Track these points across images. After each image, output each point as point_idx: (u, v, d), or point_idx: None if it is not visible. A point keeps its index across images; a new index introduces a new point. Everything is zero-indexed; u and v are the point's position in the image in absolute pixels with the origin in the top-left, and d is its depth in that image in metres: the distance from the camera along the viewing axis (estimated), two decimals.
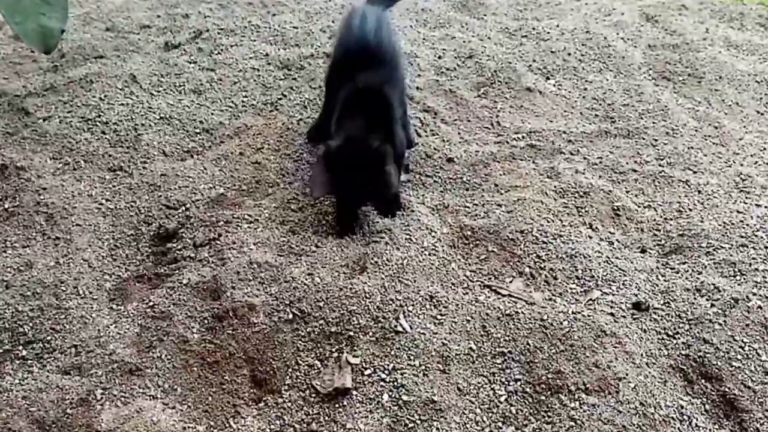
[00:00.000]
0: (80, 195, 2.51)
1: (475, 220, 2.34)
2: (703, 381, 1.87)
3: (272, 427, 1.83)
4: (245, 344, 2.00)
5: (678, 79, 3.16)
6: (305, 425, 1.81)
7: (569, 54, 3.25)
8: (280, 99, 2.96)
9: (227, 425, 1.84)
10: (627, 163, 2.65)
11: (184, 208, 2.44)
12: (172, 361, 1.98)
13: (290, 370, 1.94)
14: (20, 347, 2.04)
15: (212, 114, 2.86)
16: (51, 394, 1.90)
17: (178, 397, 1.92)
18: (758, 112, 2.99)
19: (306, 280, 2.10)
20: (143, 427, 1.80)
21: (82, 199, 2.49)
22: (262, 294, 2.09)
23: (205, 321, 2.06)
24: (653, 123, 2.85)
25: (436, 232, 2.28)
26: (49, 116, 2.88)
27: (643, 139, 2.77)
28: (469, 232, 2.29)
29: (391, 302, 2.04)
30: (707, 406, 1.83)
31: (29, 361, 2.00)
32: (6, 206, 2.49)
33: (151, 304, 2.14)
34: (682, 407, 1.80)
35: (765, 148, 2.75)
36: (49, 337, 2.05)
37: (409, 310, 2.02)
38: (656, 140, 2.77)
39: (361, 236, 2.30)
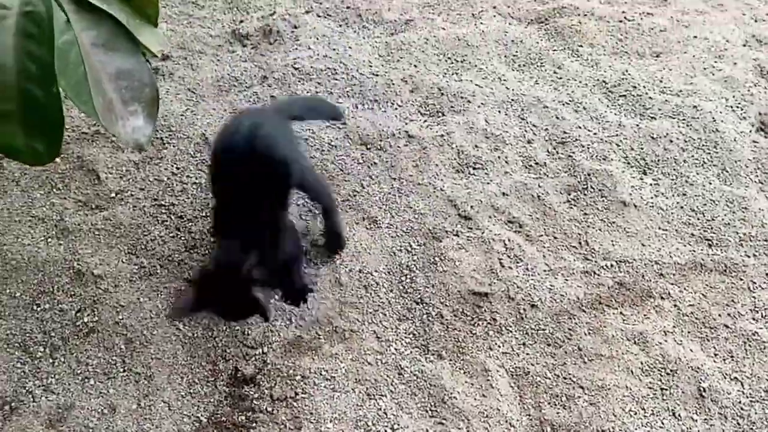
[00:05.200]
0: (158, 317, 2.50)
1: (556, 411, 2.29)
2: None
3: None
4: None
5: None
6: None
7: (671, 141, 3.01)
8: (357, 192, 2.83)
9: None
10: (719, 316, 2.54)
11: (261, 350, 2.43)
12: None
13: None
14: None
15: (289, 213, 2.75)
16: None
17: None
18: None
19: None
20: None
21: (160, 323, 2.48)
22: None
23: None
24: (754, 254, 2.68)
25: (515, 427, 2.25)
26: (120, 190, 2.80)
27: (741, 279, 2.63)
28: (548, 428, 2.26)
29: None
30: None
31: None
32: (85, 320, 2.49)
33: None
34: None
35: None
36: None
37: None
38: (754, 282, 2.62)
39: (439, 418, 2.28)
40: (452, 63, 3.30)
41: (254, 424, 2.29)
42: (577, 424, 2.26)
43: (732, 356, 2.45)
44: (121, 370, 2.40)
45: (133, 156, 2.92)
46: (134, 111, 1.76)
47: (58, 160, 2.91)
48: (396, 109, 3.07)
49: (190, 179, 2.84)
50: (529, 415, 2.29)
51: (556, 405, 2.32)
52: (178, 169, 2.87)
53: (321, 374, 2.37)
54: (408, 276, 2.61)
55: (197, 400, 2.35)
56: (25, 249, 2.64)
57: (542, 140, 2.99)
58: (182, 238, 2.68)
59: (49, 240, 2.67)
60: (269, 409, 2.32)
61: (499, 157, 2.92)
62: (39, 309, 2.51)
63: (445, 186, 2.84)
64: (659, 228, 2.77)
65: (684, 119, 3.08)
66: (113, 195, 2.80)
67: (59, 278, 2.57)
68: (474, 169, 2.90)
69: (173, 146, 2.95)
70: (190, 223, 2.71)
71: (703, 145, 3.01)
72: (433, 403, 2.32)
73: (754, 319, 2.54)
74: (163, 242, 2.67)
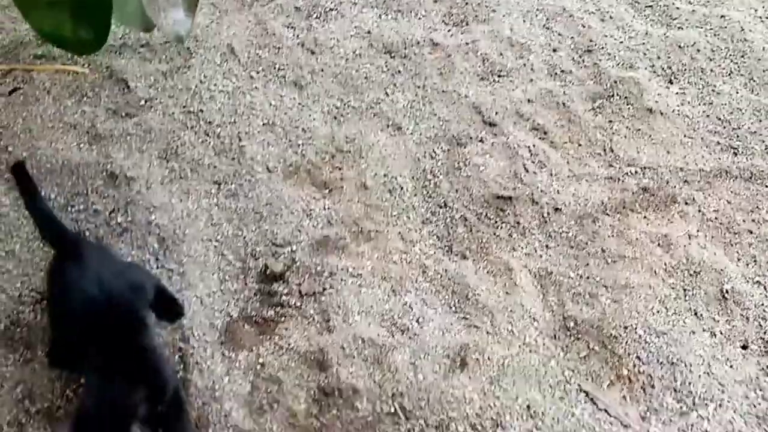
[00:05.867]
0: (189, 216, 2.56)
1: (580, 307, 2.34)
2: None
3: None
4: (349, 426, 2.14)
5: None
6: None
7: (698, 50, 2.99)
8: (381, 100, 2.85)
9: None
10: (743, 221, 2.56)
11: (290, 249, 2.49)
12: None
13: None
14: None
15: (314, 120, 2.79)
16: None
17: None
18: None
19: (408, 372, 2.19)
20: None
21: (191, 223, 2.54)
22: (365, 377, 2.20)
23: (312, 393, 2.20)
24: None
25: (538, 322, 2.31)
26: (150, 98, 2.85)
27: (765, 186, 2.64)
28: (572, 323, 2.31)
29: (489, 408, 2.13)
30: None
31: None
32: (119, 220, 2.56)
33: (261, 361, 2.26)
34: None
35: None
36: None
37: (506, 420, 2.12)
38: None
39: (463, 313, 2.34)
40: None
41: (283, 319, 2.36)
42: (599, 320, 2.31)
43: (755, 260, 2.48)
44: (155, 267, 2.46)
45: (161, 66, 2.95)
46: (175, 3, 1.80)
47: (87, 70, 2.95)
48: (420, 18, 3.07)
49: (217, 87, 2.87)
50: (552, 311, 2.34)
51: (579, 302, 2.36)
52: (205, 77, 2.90)
53: (348, 271, 2.42)
54: (432, 181, 2.65)
55: (228, 296, 2.41)
56: (59, 153, 2.69)
57: (568, 49, 2.98)
58: (211, 143, 2.72)
59: (82, 145, 2.73)
60: (298, 304, 2.38)
61: (524, 65, 2.92)
62: (74, 210, 2.57)
63: (470, 93, 2.85)
64: (685, 136, 2.78)
65: (711, 29, 3.05)
66: (143, 103, 2.85)
67: (93, 181, 2.63)
68: (499, 76, 2.91)
69: (200, 56, 2.98)
70: (218, 128, 2.76)
71: (730, 55, 2.99)
72: (457, 300, 2.38)
73: None
74: (193, 147, 2.72)
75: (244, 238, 2.52)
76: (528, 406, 2.14)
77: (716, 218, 2.56)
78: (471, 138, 2.73)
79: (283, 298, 2.39)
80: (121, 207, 2.58)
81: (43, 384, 2.20)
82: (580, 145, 2.73)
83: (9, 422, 2.13)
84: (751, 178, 2.66)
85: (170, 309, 2.36)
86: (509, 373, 2.20)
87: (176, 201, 2.59)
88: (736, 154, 2.72)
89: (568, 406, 2.16)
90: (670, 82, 2.93)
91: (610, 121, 2.79)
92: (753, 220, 2.56)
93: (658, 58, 2.98)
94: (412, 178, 2.65)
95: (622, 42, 3.00)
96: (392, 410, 2.15)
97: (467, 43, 2.96)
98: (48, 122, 2.79)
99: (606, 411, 2.15)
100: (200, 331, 2.32)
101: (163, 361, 2.12)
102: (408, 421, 2.13)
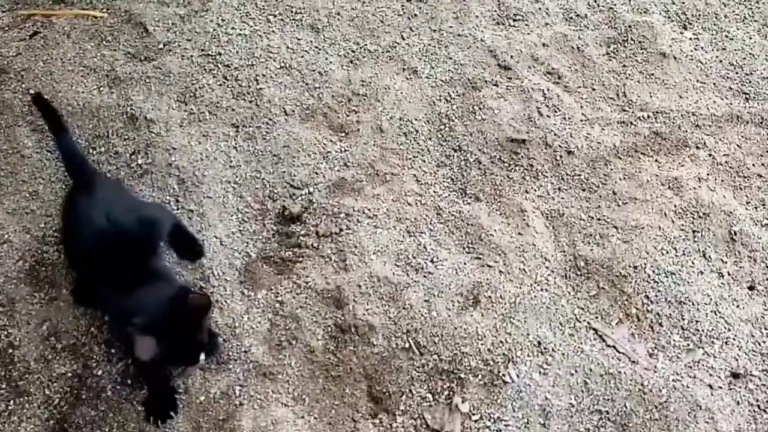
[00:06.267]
0: (208, 158, 2.61)
1: (590, 248, 2.40)
2: None
3: None
4: (365, 362, 2.23)
5: None
6: None
7: None
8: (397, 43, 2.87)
9: None
10: (753, 166, 2.59)
11: (307, 190, 2.54)
12: (301, 370, 2.23)
13: (404, 396, 2.18)
14: None
15: (330, 63, 2.82)
16: (197, 382, 2.19)
17: (306, 407, 2.19)
18: None
19: (423, 309, 2.27)
20: None
21: (210, 165, 2.60)
22: (381, 314, 2.27)
23: (329, 330, 2.28)
24: None
25: (550, 261, 2.37)
26: (168, 41, 2.88)
27: None
28: (582, 263, 2.37)
29: (501, 344, 2.21)
30: None
31: None
32: (139, 162, 2.62)
33: (279, 299, 2.34)
34: None
35: None
36: None
37: (517, 356, 2.19)
38: None
39: (476, 253, 2.40)
40: None
41: (301, 259, 2.42)
42: (609, 259, 2.36)
43: (764, 204, 2.52)
44: (175, 208, 2.52)
45: (179, 9, 2.98)
46: None
47: (106, 14, 2.98)
48: None
49: (234, 30, 2.90)
50: (564, 251, 2.40)
51: (589, 243, 2.42)
52: (223, 20, 2.93)
53: (364, 213, 2.48)
54: (447, 124, 2.69)
55: (247, 237, 2.48)
56: (79, 96, 2.74)
57: None
58: (229, 86, 2.76)
59: (102, 88, 2.77)
60: (315, 244, 2.44)
61: (539, 9, 2.93)
62: (95, 152, 2.62)
63: (485, 37, 2.87)
64: (697, 81, 2.79)
65: None
66: (161, 46, 2.88)
67: (113, 123, 2.68)
68: (514, 20, 2.92)
69: None
70: (236, 72, 2.79)
71: (744, 1, 2.98)
72: (470, 241, 2.44)
73: None
74: (211, 90, 2.76)
75: (262, 180, 2.57)
76: (539, 343, 2.21)
77: (726, 162, 2.59)
78: (486, 82, 2.76)
79: (301, 238, 2.46)
80: (141, 149, 2.63)
81: (68, 321, 2.30)
82: (593, 89, 2.76)
83: (36, 358, 2.22)
84: (762, 123, 2.68)
85: (191, 248, 2.43)
86: (521, 310, 2.27)
87: (195, 143, 2.64)
88: (747, 99, 2.74)
89: (578, 343, 2.23)
90: (684, 27, 2.93)
91: (624, 66, 2.81)
92: (763, 165, 2.59)
93: (673, 3, 2.98)
94: (427, 121, 2.69)
95: None
96: (407, 346, 2.23)
97: None
98: (68, 66, 2.83)
99: (614, 347, 2.22)
100: (220, 270, 2.39)
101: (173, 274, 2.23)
102: (422, 356, 2.21)
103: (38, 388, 2.18)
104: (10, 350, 2.23)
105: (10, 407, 2.15)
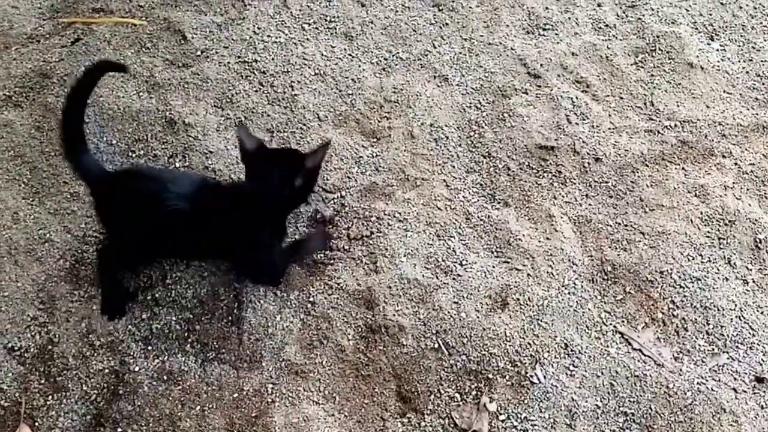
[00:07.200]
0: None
1: (617, 253, 2.43)
2: None
3: None
4: (394, 361, 2.28)
5: None
6: None
7: (740, 8, 3.02)
8: (429, 52, 2.93)
9: None
10: None
11: (339, 195, 2.61)
12: (332, 369, 2.29)
13: (432, 396, 2.23)
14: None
15: (363, 70, 2.89)
16: (230, 379, 2.26)
17: (336, 405, 2.25)
18: None
19: (452, 310, 2.32)
20: None
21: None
22: (411, 315, 2.32)
23: (359, 330, 2.34)
24: None
25: (577, 266, 2.41)
26: (205, 48, 2.96)
27: None
28: (609, 267, 2.41)
29: (529, 346, 2.25)
30: None
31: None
32: (177, 165, 2.70)
33: (311, 300, 2.40)
34: None
35: None
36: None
37: (544, 357, 2.24)
38: None
39: (504, 257, 2.45)
40: None
41: (332, 261, 2.49)
42: (636, 264, 2.40)
43: None
44: None
45: (216, 18, 3.06)
46: None
47: (145, 22, 3.07)
48: None
49: (270, 38, 2.98)
50: (591, 256, 2.44)
51: (617, 248, 2.46)
52: (259, 29, 3.01)
53: (394, 216, 2.54)
54: (477, 131, 2.74)
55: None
56: (119, 101, 2.83)
57: (612, 3, 3.03)
58: (265, 92, 2.84)
59: (141, 93, 2.86)
60: (346, 247, 2.50)
61: (569, 19, 2.98)
62: (134, 155, 2.71)
63: (515, 45, 2.92)
64: (724, 91, 2.83)
65: None
66: (199, 53, 2.96)
67: (152, 127, 2.76)
68: (544, 30, 2.97)
69: (254, 8, 3.07)
70: (272, 78, 2.87)
71: None
72: (498, 245, 2.49)
73: None
74: (247, 95, 2.83)
75: None
76: (565, 345, 2.26)
77: (752, 171, 2.62)
78: (515, 89, 2.81)
79: (333, 241, 2.52)
80: (179, 152, 2.71)
81: (106, 318, 2.37)
82: (621, 98, 2.80)
83: (74, 355, 2.30)
84: None
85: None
86: (548, 313, 2.31)
87: (231, 147, 2.71)
88: None
89: (604, 346, 2.27)
90: (711, 38, 2.97)
91: (652, 75, 2.85)
92: None
93: (701, 14, 3.02)
94: (458, 128, 2.75)
95: None
96: (436, 346, 2.28)
97: None
98: (109, 72, 2.92)
99: (640, 351, 2.25)
100: None
101: None
102: (450, 356, 2.26)
103: (76, 384, 2.26)
104: (50, 347, 2.30)
105: (48, 402, 2.23)
